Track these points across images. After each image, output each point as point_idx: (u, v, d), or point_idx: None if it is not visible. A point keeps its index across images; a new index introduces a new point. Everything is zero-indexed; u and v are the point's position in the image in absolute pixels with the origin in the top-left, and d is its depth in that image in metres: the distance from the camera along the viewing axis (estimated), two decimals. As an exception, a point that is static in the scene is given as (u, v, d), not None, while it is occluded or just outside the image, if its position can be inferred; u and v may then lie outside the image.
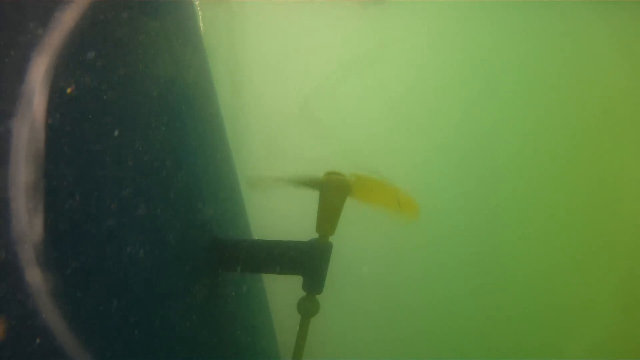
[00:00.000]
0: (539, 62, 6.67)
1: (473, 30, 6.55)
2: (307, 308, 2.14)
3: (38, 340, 1.17)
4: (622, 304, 6.55)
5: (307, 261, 2.06)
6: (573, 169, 6.88)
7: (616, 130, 6.67)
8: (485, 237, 7.10)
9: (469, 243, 7.12)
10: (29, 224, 1.10)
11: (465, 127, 7.03)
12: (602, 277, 6.84)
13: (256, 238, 2.60)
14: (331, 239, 2.10)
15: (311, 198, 2.08)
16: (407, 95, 6.65)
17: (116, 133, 1.47)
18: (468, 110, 6.95)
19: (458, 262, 7.15)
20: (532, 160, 7.12)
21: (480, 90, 6.79)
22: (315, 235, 2.10)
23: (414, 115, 6.77)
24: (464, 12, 6.34)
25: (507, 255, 7.20)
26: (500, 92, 6.81)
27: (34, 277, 1.14)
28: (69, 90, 1.09)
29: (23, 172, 1.07)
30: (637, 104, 6.45)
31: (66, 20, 1.15)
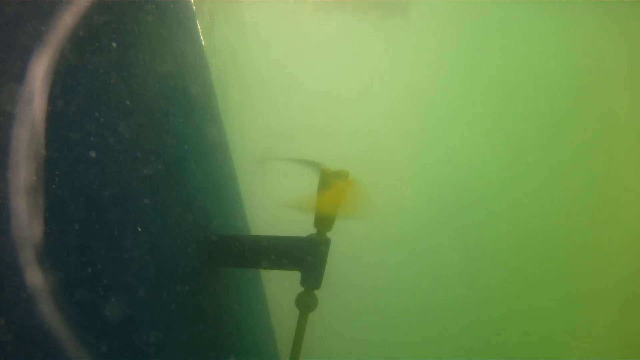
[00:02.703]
0: (541, 63, 6.67)
1: (474, 33, 6.56)
2: (306, 303, 2.14)
3: (37, 339, 1.18)
4: (624, 305, 6.59)
5: (305, 257, 2.06)
6: (576, 171, 6.88)
7: (617, 136, 6.69)
8: (488, 238, 7.12)
9: (472, 243, 7.13)
10: (29, 224, 1.10)
11: (468, 129, 7.04)
12: (604, 278, 6.87)
13: (254, 234, 2.60)
14: (329, 234, 2.10)
15: (310, 192, 2.08)
16: (414, 98, 6.67)
17: (114, 132, 1.47)
18: (471, 112, 6.96)
19: (459, 262, 7.17)
20: (534, 162, 7.13)
21: (489, 93, 6.81)
22: (314, 230, 2.10)
23: (421, 116, 6.78)
24: (466, 17, 6.35)
25: (508, 256, 7.22)
26: (507, 94, 6.82)
27: (34, 277, 1.14)
28: None
29: (23, 173, 1.06)
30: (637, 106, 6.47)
31: (66, 20, 1.14)
